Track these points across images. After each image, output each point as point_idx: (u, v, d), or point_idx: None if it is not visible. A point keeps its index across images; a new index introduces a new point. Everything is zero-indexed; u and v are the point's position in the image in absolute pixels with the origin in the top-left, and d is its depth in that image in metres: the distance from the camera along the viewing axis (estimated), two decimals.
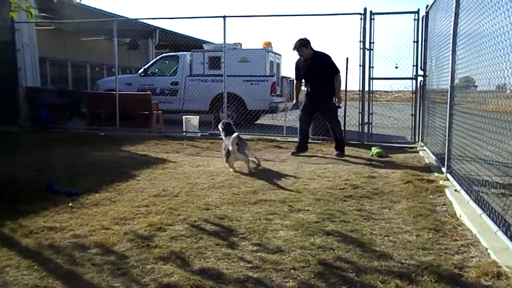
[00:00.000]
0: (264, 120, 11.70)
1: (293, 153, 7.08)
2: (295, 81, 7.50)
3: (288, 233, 3.25)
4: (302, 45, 6.90)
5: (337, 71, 6.99)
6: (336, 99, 6.95)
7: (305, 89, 7.41)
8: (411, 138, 8.54)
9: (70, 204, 3.94)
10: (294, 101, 7.67)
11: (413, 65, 8.21)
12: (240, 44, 12.47)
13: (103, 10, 14.09)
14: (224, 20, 8.79)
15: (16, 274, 2.55)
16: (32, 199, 4.08)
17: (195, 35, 18.92)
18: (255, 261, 2.74)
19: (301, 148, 7.16)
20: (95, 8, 13.59)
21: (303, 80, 7.33)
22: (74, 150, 7.04)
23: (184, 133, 9.40)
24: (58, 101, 10.56)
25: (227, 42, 9.12)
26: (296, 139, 7.45)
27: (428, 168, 5.90)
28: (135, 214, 3.68)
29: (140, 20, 14.51)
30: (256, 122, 10.78)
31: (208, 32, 66.10)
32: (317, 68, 6.93)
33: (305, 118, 7.23)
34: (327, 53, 7.03)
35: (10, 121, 10.09)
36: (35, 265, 2.65)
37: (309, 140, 7.48)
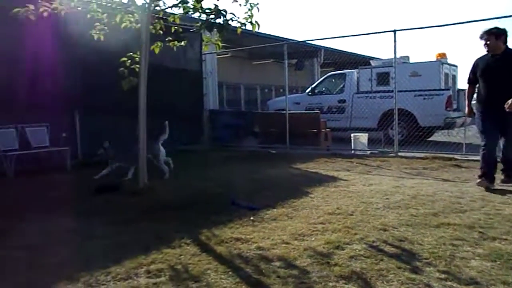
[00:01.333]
0: (438, 136, 10.85)
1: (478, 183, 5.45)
2: (467, 86, 5.97)
3: (482, 264, 2.91)
4: (492, 33, 5.35)
5: None
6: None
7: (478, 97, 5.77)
8: None
9: (252, 218, 4.25)
10: (467, 110, 6.04)
11: None
12: (408, 57, 11.94)
13: (273, 35, 15.07)
14: (395, 34, 8.51)
15: (215, 277, 2.86)
16: (219, 211, 4.54)
17: (359, 52, 18.80)
18: None
19: (486, 175, 5.44)
20: (265, 34, 14.63)
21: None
22: (250, 167, 7.61)
23: (352, 151, 9.33)
24: (234, 121, 11.68)
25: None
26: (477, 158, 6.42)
27: None
28: (312, 231, 3.77)
29: (307, 42, 15.07)
30: (429, 139, 10.06)
31: (371, 47, 64.94)
32: (506, 68, 5.33)
33: (491, 142, 5.49)
34: None
35: (195, 140, 11.48)
36: (230, 271, 2.91)
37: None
